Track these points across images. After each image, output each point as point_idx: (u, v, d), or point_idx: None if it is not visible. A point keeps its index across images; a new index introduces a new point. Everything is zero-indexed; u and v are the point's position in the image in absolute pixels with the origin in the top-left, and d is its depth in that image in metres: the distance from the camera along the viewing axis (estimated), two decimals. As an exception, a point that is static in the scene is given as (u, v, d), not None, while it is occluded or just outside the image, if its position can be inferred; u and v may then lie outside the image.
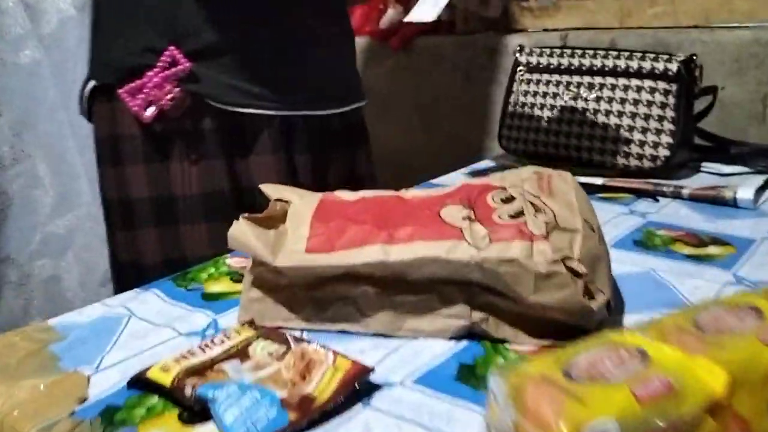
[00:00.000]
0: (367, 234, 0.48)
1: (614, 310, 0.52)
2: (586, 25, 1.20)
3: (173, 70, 0.73)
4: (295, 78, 0.80)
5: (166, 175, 0.75)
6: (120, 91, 0.74)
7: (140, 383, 0.43)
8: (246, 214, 0.50)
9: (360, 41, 1.46)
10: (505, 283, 0.46)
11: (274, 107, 0.79)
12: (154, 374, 0.42)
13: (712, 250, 0.66)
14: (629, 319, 0.51)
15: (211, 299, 0.57)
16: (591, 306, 0.45)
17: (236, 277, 0.60)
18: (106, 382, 0.44)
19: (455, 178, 0.95)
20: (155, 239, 0.76)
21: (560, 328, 0.47)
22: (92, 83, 0.80)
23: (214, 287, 0.59)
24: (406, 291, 0.48)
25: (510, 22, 1.30)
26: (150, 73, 0.73)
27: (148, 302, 0.56)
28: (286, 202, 0.53)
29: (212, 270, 0.62)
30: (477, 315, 0.48)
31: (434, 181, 0.94)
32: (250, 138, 0.78)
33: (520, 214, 0.48)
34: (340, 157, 0.86)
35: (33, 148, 1.21)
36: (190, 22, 0.75)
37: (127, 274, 0.79)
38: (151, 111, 0.73)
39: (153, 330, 0.51)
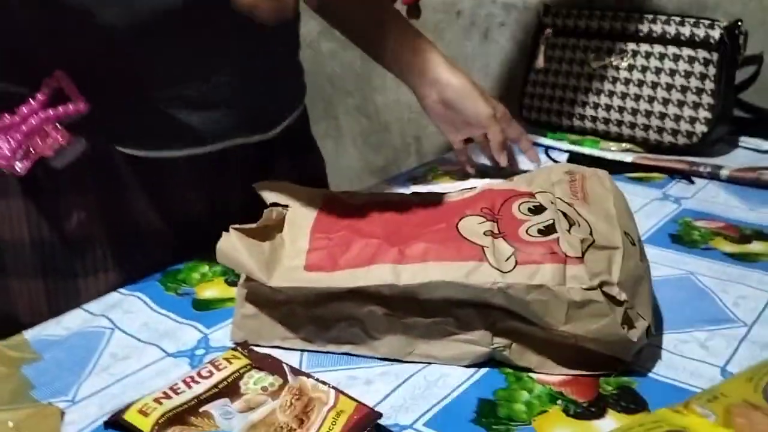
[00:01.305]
0: (376, 250, 0.42)
1: (655, 328, 0.46)
2: (615, -22, 1.10)
3: (60, 110, 0.50)
4: (226, 110, 0.59)
5: (51, 217, 0.56)
6: None
7: (117, 426, 0.38)
8: (237, 225, 0.44)
9: (369, -7, 1.36)
10: (533, 311, 0.40)
11: (198, 144, 0.59)
12: (131, 417, 0.37)
13: (756, 246, 0.60)
14: (669, 340, 0.46)
15: (202, 308, 0.51)
16: (630, 337, 0.40)
17: (232, 278, 0.55)
18: (82, 418, 0.40)
19: (474, 153, 0.88)
20: (41, 293, 0.57)
21: (593, 357, 0.42)
22: None
23: (207, 292, 0.54)
24: (418, 313, 0.43)
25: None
26: (23, 110, 0.49)
27: (133, 311, 0.51)
28: (284, 206, 0.47)
29: (205, 269, 0.57)
30: (498, 341, 0.42)
31: (451, 156, 0.87)
32: (165, 177, 0.59)
33: (551, 228, 0.41)
34: (284, 173, 0.67)
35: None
36: (84, 28, 0.50)
37: None
38: (24, 164, 0.49)
39: (137, 349, 0.46)
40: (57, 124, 0.50)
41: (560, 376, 0.42)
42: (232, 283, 0.54)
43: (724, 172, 0.75)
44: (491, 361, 0.43)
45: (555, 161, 0.83)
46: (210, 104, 0.57)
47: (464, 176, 0.79)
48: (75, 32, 0.50)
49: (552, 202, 0.44)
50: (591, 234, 0.42)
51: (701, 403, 0.28)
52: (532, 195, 0.45)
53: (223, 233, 0.44)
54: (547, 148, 0.86)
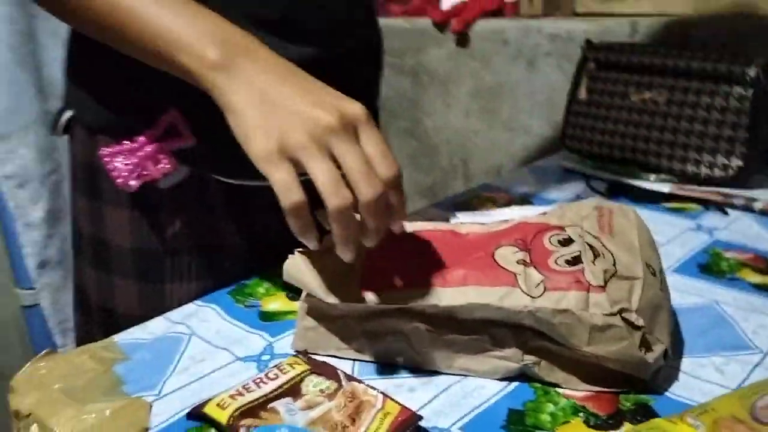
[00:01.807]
0: (420, 274, 0.48)
1: (674, 352, 0.51)
2: (657, 11, 1.14)
3: (172, 142, 0.60)
4: None
5: (151, 228, 0.64)
6: (102, 152, 0.60)
7: (198, 416, 0.45)
8: (301, 249, 0.51)
9: (420, 21, 1.43)
10: (559, 333, 0.45)
11: None
12: (211, 410, 0.44)
13: (782, 278, 0.63)
14: (687, 364, 0.50)
15: (267, 319, 0.58)
16: (647, 359, 0.44)
17: (292, 294, 0.62)
18: (167, 410, 0.47)
19: (517, 180, 0.93)
20: (135, 293, 0.66)
21: (614, 375, 0.47)
22: (69, 113, 0.66)
23: (271, 305, 0.61)
24: (457, 330, 0.48)
25: (577, 6, 1.24)
26: (142, 139, 0.59)
27: (209, 320, 0.58)
28: (341, 232, 0.53)
29: (269, 284, 0.64)
30: (528, 358, 0.47)
31: (494, 183, 0.93)
32: (249, 203, 0.66)
33: (577, 259, 0.47)
34: None
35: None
36: None
37: (94, 317, 0.69)
38: (136, 183, 0.60)
39: (211, 353, 0.53)
40: (167, 153, 0.60)
41: (584, 392, 0.47)
42: (293, 298, 0.61)
43: (757, 205, 0.78)
44: (522, 375, 0.48)
45: (595, 190, 0.87)
46: None
47: (507, 203, 0.84)
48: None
49: (580, 236, 0.49)
50: (614, 265, 0.47)
51: (693, 415, 0.33)
52: (562, 228, 0.50)
53: (290, 255, 0.50)
54: (588, 178, 0.91)
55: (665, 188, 0.84)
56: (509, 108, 1.34)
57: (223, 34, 0.48)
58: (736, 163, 0.82)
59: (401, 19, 1.46)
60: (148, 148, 0.59)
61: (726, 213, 0.78)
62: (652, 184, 0.85)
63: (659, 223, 0.76)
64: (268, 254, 0.63)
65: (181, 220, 0.64)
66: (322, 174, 0.42)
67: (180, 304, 0.61)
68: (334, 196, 0.42)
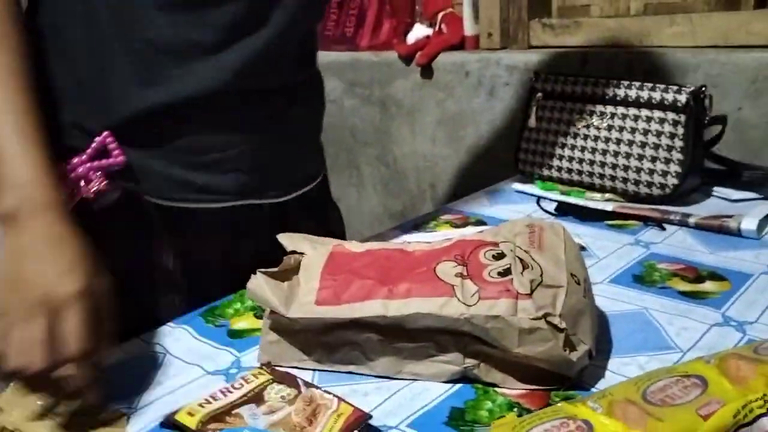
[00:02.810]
0: (370, 289, 0.53)
1: (602, 354, 0.56)
2: (605, 44, 1.22)
3: (103, 162, 0.62)
4: (254, 164, 0.71)
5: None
6: None
7: (170, 424, 0.49)
8: (262, 269, 0.56)
9: (387, 55, 1.51)
10: (493, 337, 0.50)
11: (225, 199, 0.70)
12: (181, 417, 0.49)
13: (708, 286, 0.69)
14: (614, 363, 0.56)
15: (235, 336, 0.63)
16: (570, 358, 0.50)
17: (259, 313, 0.67)
18: (142, 420, 0.51)
19: (474, 202, 1.00)
20: None
21: (545, 374, 0.52)
22: None
23: (239, 323, 0.66)
24: (405, 338, 0.54)
25: (532, 39, 1.32)
26: (75, 160, 0.61)
27: (181, 339, 0.63)
28: (300, 254, 0.59)
29: (238, 305, 0.69)
30: (469, 361, 0.53)
31: (453, 205, 0.99)
32: (193, 227, 0.70)
33: (508, 271, 0.52)
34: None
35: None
36: (130, 101, 0.63)
37: None
38: (69, 204, 0.60)
39: (184, 368, 0.58)
40: (99, 174, 0.62)
41: (519, 390, 0.52)
42: (260, 317, 0.66)
43: (692, 220, 0.85)
44: (465, 377, 0.54)
45: (545, 210, 0.93)
46: (229, 169, 0.70)
47: (464, 224, 0.90)
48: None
49: (511, 250, 0.55)
50: (541, 275, 0.52)
51: (593, 399, 0.38)
52: (496, 244, 0.56)
53: (252, 275, 0.56)
54: (539, 198, 0.97)
55: (609, 207, 0.90)
56: (472, 134, 1.41)
57: (26, 188, 0.52)
58: (672, 182, 0.89)
59: (369, 53, 1.54)
60: (80, 169, 0.61)
61: (663, 228, 0.85)
62: (596, 203, 0.92)
63: (602, 239, 0.83)
64: (206, 283, 0.67)
65: (116, 242, 0.64)
66: (18, 337, 0.47)
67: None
68: (15, 357, 0.47)
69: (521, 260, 0.54)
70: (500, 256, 0.54)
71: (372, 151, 1.63)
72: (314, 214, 0.82)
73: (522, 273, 0.52)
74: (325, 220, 0.86)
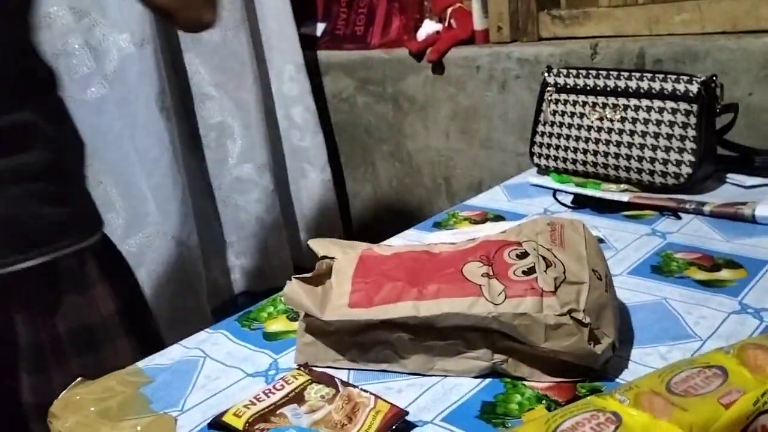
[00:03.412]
0: (400, 291, 0.56)
1: (624, 344, 0.59)
2: (615, 33, 1.23)
3: None
4: None
5: None
6: None
7: (218, 426, 0.52)
8: (297, 275, 0.59)
9: (398, 52, 1.52)
10: (520, 333, 0.53)
11: None
12: (229, 419, 0.52)
13: (724, 274, 0.71)
14: (636, 353, 0.58)
15: (271, 339, 0.66)
16: (595, 351, 0.52)
17: (292, 315, 0.70)
18: (190, 423, 0.54)
19: (492, 198, 1.02)
20: None
21: (571, 367, 0.54)
22: None
23: (274, 326, 0.68)
24: (435, 337, 0.56)
25: (541, 31, 1.34)
26: None
27: (219, 343, 0.66)
28: (332, 258, 0.61)
29: (271, 309, 0.72)
30: (497, 357, 0.55)
31: (471, 202, 1.01)
32: None
33: (532, 270, 0.55)
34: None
35: (103, 175, 1.33)
36: None
37: None
38: None
39: (224, 371, 0.61)
40: None
41: (546, 383, 0.55)
42: (293, 319, 0.69)
43: (706, 208, 0.86)
44: (494, 372, 0.56)
45: (561, 202, 0.95)
46: None
47: (483, 220, 0.92)
48: None
49: (534, 249, 0.57)
50: (564, 272, 0.55)
51: (621, 392, 0.40)
52: (519, 244, 0.58)
53: (287, 281, 0.58)
54: (555, 191, 0.99)
55: (624, 198, 0.92)
56: (485, 128, 1.42)
57: None
58: (686, 171, 0.90)
59: (380, 51, 1.56)
60: None
61: (679, 217, 0.87)
62: (612, 194, 0.94)
63: (619, 230, 0.84)
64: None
65: None
66: None
67: None
68: None
69: (544, 258, 0.56)
70: (524, 255, 0.57)
71: (386, 147, 1.65)
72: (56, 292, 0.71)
73: (546, 271, 0.54)
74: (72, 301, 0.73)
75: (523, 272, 0.55)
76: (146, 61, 1.31)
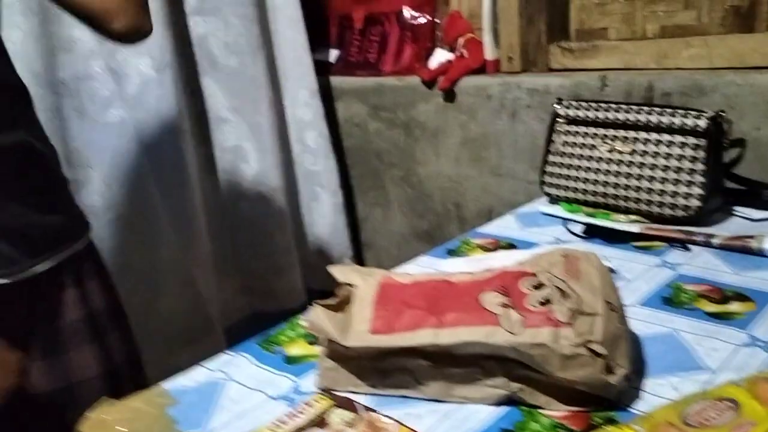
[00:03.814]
0: (420, 318, 0.58)
1: (637, 375, 0.60)
2: (624, 66, 1.26)
3: None
4: None
5: None
6: None
7: (244, 448, 0.54)
8: (320, 301, 0.61)
9: (410, 80, 1.56)
10: (537, 362, 0.55)
11: None
12: (254, 441, 0.53)
13: (733, 306, 0.73)
14: (648, 384, 0.60)
15: (291, 362, 0.68)
16: (610, 381, 0.54)
17: (311, 338, 0.71)
18: (216, 444, 0.56)
19: (503, 226, 1.04)
20: None
21: (586, 396, 0.56)
22: None
23: (294, 350, 0.70)
24: (454, 364, 0.58)
25: (551, 62, 1.37)
26: None
27: (241, 365, 0.68)
28: (352, 285, 0.63)
29: (291, 332, 0.74)
30: (515, 385, 0.57)
31: (483, 229, 1.03)
32: None
33: (548, 301, 0.57)
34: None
35: (121, 197, 1.36)
36: None
37: None
38: None
39: (247, 393, 0.63)
40: None
41: (563, 412, 0.56)
42: (312, 342, 0.71)
43: (715, 241, 0.88)
44: (511, 400, 0.58)
45: (572, 232, 0.97)
46: None
47: (494, 248, 0.94)
48: None
49: (549, 280, 0.59)
50: (579, 304, 0.57)
51: (637, 423, 0.42)
52: (535, 275, 0.60)
53: (310, 307, 0.60)
54: (566, 221, 1.01)
55: (635, 228, 0.94)
56: (495, 156, 1.45)
57: None
58: (695, 204, 0.93)
59: (393, 78, 1.59)
60: None
61: (688, 249, 0.89)
62: (623, 225, 0.96)
63: (630, 261, 0.86)
64: None
65: None
66: None
67: None
68: None
69: (560, 289, 0.58)
70: (540, 285, 0.58)
71: (397, 172, 1.67)
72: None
73: (561, 302, 0.56)
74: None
75: (540, 303, 0.57)
76: (165, 86, 1.34)
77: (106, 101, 1.32)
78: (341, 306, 0.62)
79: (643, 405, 0.56)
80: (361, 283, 0.64)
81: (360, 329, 0.59)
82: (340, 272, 0.65)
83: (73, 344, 0.81)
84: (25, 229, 0.75)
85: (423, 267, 0.90)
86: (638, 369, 0.61)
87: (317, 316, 0.60)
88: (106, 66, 1.32)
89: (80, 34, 1.28)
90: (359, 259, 1.83)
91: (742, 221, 0.96)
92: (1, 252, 0.73)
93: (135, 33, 0.76)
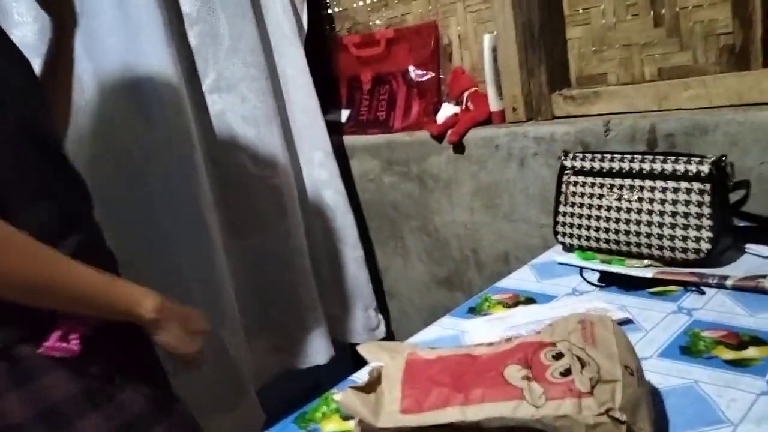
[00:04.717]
0: (447, 396, 0.61)
1: (659, 431, 0.62)
2: (626, 110, 1.30)
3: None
4: None
5: None
6: None
7: None
8: (352, 384, 0.64)
9: (420, 135, 1.60)
10: (561, 432, 0.58)
11: None
12: None
13: (751, 352, 0.75)
14: (672, 441, 0.62)
15: (328, 440, 0.71)
16: (633, 446, 0.57)
17: (344, 414, 0.75)
18: None
19: (521, 279, 1.07)
20: None
21: (612, 461, 0.59)
22: None
23: (329, 426, 0.73)
24: (483, 437, 0.61)
25: (555, 111, 1.41)
26: None
27: (280, 446, 0.71)
28: (380, 364, 0.67)
29: (324, 408, 0.77)
30: (542, 454, 0.60)
31: (502, 284, 1.06)
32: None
33: (568, 371, 0.60)
34: None
35: (150, 265, 1.41)
36: None
37: None
38: None
39: (289, 475, 0.66)
40: None
41: (590, 476, 0.59)
42: (346, 418, 0.74)
43: (729, 282, 0.91)
44: (540, 467, 0.61)
45: (588, 281, 1.00)
46: None
47: (514, 303, 0.97)
48: None
49: (568, 349, 0.62)
50: (598, 372, 0.59)
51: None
52: (554, 344, 0.63)
53: (342, 391, 0.64)
54: (581, 269, 1.04)
55: (648, 273, 0.97)
56: (508, 202, 1.49)
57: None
58: (706, 246, 0.95)
59: (403, 134, 1.64)
60: None
61: (703, 292, 0.91)
62: (637, 270, 0.98)
63: (646, 308, 0.89)
64: None
65: None
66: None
67: None
68: None
69: (579, 358, 0.61)
70: (559, 355, 0.62)
71: (414, 223, 1.71)
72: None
73: (581, 371, 0.59)
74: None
75: (561, 374, 0.60)
76: (188, 158, 1.39)
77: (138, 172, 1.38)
78: (372, 386, 0.65)
79: (668, 465, 0.59)
80: (389, 361, 0.67)
81: (391, 409, 0.62)
82: (368, 352, 0.69)
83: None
84: None
85: (446, 328, 0.93)
86: (660, 425, 0.64)
87: (349, 398, 0.63)
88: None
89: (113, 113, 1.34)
90: (383, 309, 1.86)
91: (754, 258, 0.98)
92: None
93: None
